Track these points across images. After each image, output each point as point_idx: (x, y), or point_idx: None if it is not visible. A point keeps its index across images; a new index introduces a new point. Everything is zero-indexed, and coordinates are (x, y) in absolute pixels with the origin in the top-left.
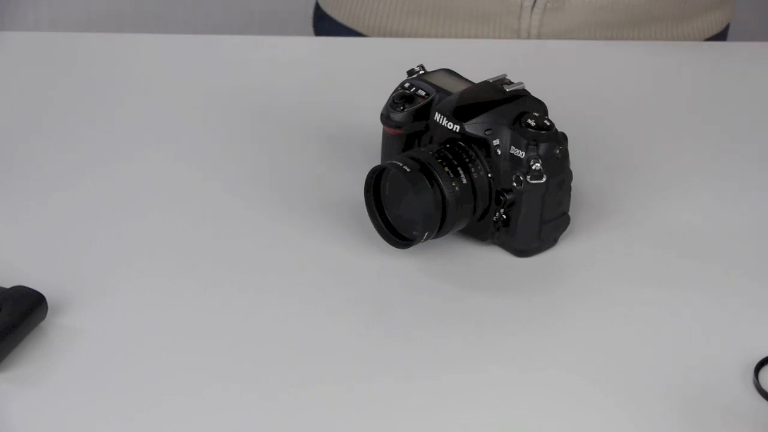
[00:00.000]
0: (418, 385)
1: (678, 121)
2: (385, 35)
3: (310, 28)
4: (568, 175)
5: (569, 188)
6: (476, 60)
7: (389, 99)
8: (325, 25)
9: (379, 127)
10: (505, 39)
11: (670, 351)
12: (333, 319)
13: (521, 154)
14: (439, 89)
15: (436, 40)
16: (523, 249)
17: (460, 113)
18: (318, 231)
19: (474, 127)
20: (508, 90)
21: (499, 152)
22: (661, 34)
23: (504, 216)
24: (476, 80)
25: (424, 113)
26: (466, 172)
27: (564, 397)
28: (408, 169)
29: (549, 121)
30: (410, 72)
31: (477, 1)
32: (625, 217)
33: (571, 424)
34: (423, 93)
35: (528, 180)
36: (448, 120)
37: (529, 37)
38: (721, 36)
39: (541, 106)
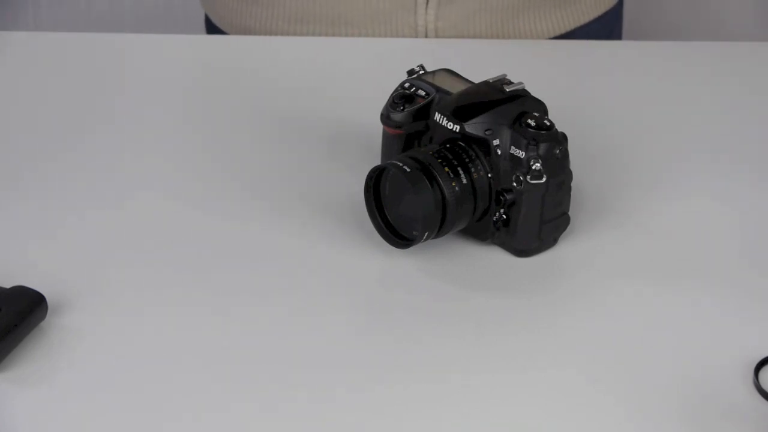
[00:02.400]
0: (417, 384)
1: (678, 121)
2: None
3: None
4: (568, 175)
5: (569, 188)
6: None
7: (389, 99)
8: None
9: (379, 127)
10: (407, 38)
11: (670, 351)
12: (333, 319)
13: (521, 154)
14: (439, 89)
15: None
16: (523, 249)
17: (460, 113)
18: (318, 231)
19: (474, 127)
20: (508, 90)
21: (499, 152)
22: (554, 14)
23: (504, 216)
24: (476, 80)
25: (424, 113)
26: (466, 172)
27: (564, 397)
28: (408, 169)
29: (549, 121)
30: (410, 72)
31: (370, 3)
32: (625, 217)
33: (571, 424)
34: (423, 93)
35: (528, 180)
36: (448, 120)
37: (426, 30)
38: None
39: (541, 106)
